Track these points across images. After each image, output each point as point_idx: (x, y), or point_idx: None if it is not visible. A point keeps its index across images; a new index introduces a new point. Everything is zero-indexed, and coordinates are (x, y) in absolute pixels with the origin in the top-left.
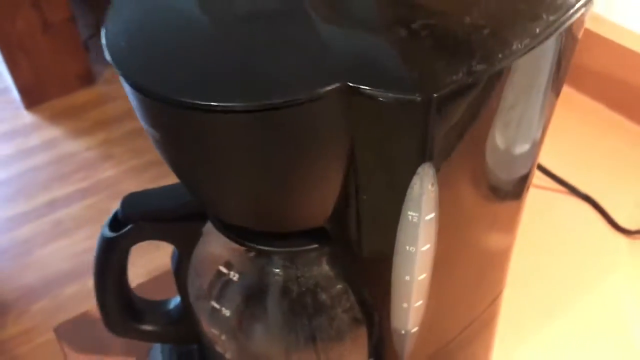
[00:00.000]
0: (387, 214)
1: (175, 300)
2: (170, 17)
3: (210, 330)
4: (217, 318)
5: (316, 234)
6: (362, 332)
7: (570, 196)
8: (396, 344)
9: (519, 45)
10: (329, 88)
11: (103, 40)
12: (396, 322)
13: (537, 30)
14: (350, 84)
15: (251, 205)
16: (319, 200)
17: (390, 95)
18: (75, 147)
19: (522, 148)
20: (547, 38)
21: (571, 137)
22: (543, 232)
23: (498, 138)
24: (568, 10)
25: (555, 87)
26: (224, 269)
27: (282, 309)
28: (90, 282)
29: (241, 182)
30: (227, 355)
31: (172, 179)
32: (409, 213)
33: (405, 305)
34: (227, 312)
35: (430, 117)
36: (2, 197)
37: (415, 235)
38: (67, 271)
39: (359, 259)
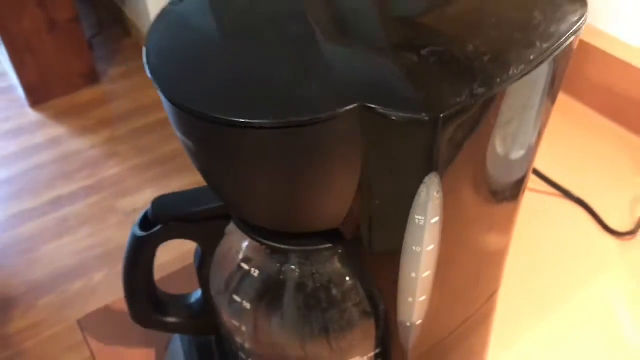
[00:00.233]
0: (396, 218)
1: (197, 294)
2: (206, 40)
3: (231, 322)
4: (237, 310)
5: (330, 235)
6: (371, 325)
7: (564, 199)
8: (402, 336)
9: (515, 71)
10: (347, 108)
11: (144, 60)
12: (402, 315)
13: (532, 57)
14: (367, 104)
15: (273, 209)
16: (335, 205)
17: (402, 114)
18: (80, 145)
19: (518, 155)
20: (540, 64)
21: (565, 143)
22: (538, 234)
23: (496, 149)
24: (560, 38)
25: (549, 99)
26: (245, 265)
27: (298, 303)
28: (95, 278)
29: (265, 189)
30: (246, 345)
31: (174, 178)
32: (416, 217)
33: (410, 299)
34: (247, 305)
35: (436, 134)
36: (8, 195)
37: (421, 236)
38: (73, 267)
39: (369, 258)
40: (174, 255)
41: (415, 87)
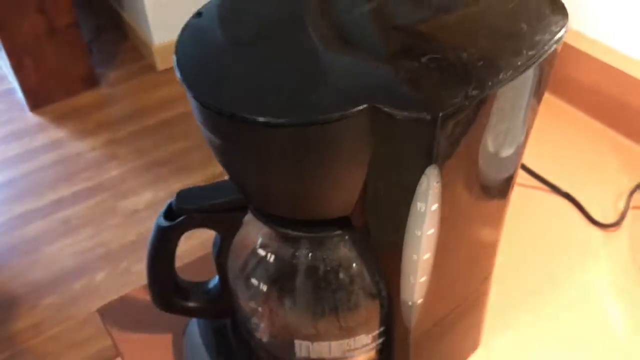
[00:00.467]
0: (400, 205)
1: (214, 281)
2: (225, 49)
3: (248, 304)
4: (254, 293)
5: (340, 222)
6: (376, 305)
7: (552, 194)
8: (404, 314)
9: (505, 75)
10: (358, 108)
11: (175, 67)
12: (404, 294)
13: (519, 63)
14: (375, 105)
15: (289, 199)
16: (345, 195)
17: (405, 114)
18: (80, 147)
19: (508, 152)
20: (526, 69)
21: (552, 141)
22: (527, 226)
23: (489, 145)
24: (544, 46)
25: (536, 100)
26: (261, 251)
27: (309, 285)
28: (97, 277)
29: (282, 181)
30: (262, 325)
31: (174, 180)
32: (418, 204)
33: (412, 280)
34: (263, 288)
35: (436, 131)
36: (10, 196)
37: (422, 222)
38: (75, 267)
39: (374, 243)
40: (187, 248)
41: (417, 90)
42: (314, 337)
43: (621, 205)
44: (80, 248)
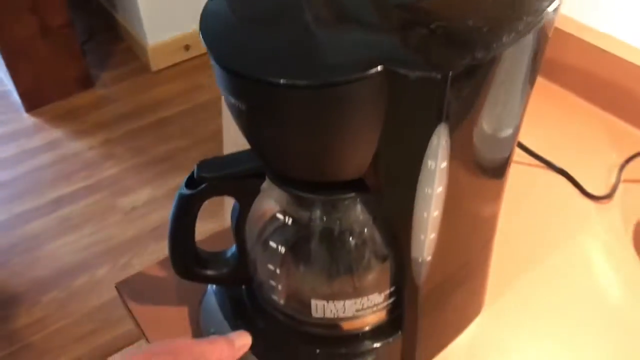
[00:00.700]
0: (412, 164)
1: (232, 250)
2: (249, 23)
3: (266, 268)
4: (273, 256)
5: (354, 185)
6: (387, 264)
7: (546, 170)
8: (414, 271)
9: (508, 39)
10: (373, 70)
11: (201, 39)
12: (415, 251)
13: (520, 28)
14: (389, 67)
15: (307, 161)
16: (360, 155)
17: (418, 74)
18: (77, 147)
19: (507, 125)
20: (527, 33)
21: (546, 121)
22: (524, 200)
23: (493, 107)
24: (541, 13)
25: (532, 72)
26: (279, 215)
27: (325, 246)
28: (98, 273)
29: (302, 142)
30: (280, 287)
31: (171, 177)
32: (429, 162)
33: (422, 237)
34: (281, 250)
35: (446, 90)
36: (10, 196)
37: (433, 179)
38: (76, 264)
39: (387, 202)
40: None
41: (428, 53)
42: (329, 296)
43: (612, 179)
44: (81, 245)
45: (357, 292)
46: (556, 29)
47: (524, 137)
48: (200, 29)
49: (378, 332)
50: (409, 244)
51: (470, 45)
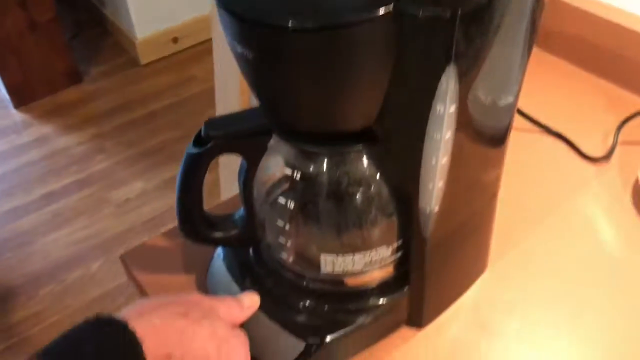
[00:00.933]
0: (421, 109)
1: (239, 212)
2: None
3: (275, 225)
4: (282, 212)
5: (361, 137)
6: (395, 217)
7: (545, 135)
8: (422, 223)
9: None
10: (384, 9)
11: None
12: (423, 201)
13: None
14: (399, 7)
15: (316, 110)
16: (369, 101)
17: (427, 12)
18: (67, 142)
19: (510, 77)
20: None
21: (544, 89)
22: (524, 164)
23: (496, 58)
24: None
25: (532, 32)
26: (287, 171)
27: (334, 199)
28: (93, 266)
29: (311, 89)
30: (289, 243)
31: (162, 169)
32: (437, 106)
33: (431, 186)
34: (291, 205)
35: (455, 28)
36: (0, 192)
37: (441, 124)
38: (70, 257)
39: (396, 151)
40: None
41: None
42: (338, 250)
43: (610, 141)
44: (74, 239)
45: (366, 245)
46: None
47: (521, 104)
48: None
49: (384, 288)
50: (417, 194)
51: None
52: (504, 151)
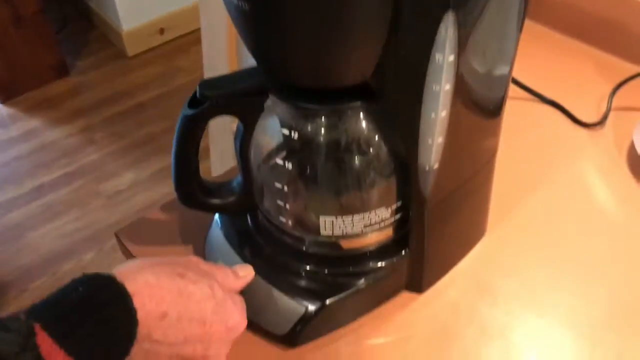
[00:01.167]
0: (420, 59)
1: (237, 179)
2: None
3: (274, 187)
4: (280, 173)
5: (358, 93)
6: (395, 176)
7: (538, 103)
8: (421, 181)
9: None
10: None
11: None
12: (422, 158)
13: None
14: None
15: (313, 62)
16: (367, 52)
17: None
18: (56, 135)
19: (503, 47)
20: None
21: (537, 60)
22: (519, 132)
23: (493, 12)
24: None
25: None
26: (285, 131)
27: (332, 158)
28: (85, 258)
29: (308, 39)
30: (288, 206)
31: (152, 160)
32: (436, 55)
33: (430, 141)
34: (289, 166)
35: None
36: None
37: (440, 75)
38: (61, 250)
39: (394, 105)
40: None
41: None
42: (337, 211)
43: (603, 108)
44: (66, 231)
45: (365, 207)
46: None
47: (514, 74)
48: None
49: (384, 251)
50: (416, 150)
51: None
52: (502, 111)
